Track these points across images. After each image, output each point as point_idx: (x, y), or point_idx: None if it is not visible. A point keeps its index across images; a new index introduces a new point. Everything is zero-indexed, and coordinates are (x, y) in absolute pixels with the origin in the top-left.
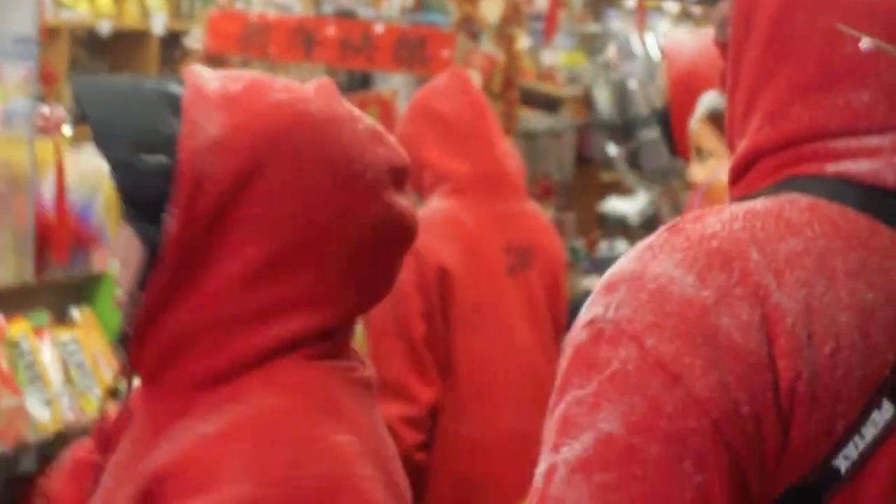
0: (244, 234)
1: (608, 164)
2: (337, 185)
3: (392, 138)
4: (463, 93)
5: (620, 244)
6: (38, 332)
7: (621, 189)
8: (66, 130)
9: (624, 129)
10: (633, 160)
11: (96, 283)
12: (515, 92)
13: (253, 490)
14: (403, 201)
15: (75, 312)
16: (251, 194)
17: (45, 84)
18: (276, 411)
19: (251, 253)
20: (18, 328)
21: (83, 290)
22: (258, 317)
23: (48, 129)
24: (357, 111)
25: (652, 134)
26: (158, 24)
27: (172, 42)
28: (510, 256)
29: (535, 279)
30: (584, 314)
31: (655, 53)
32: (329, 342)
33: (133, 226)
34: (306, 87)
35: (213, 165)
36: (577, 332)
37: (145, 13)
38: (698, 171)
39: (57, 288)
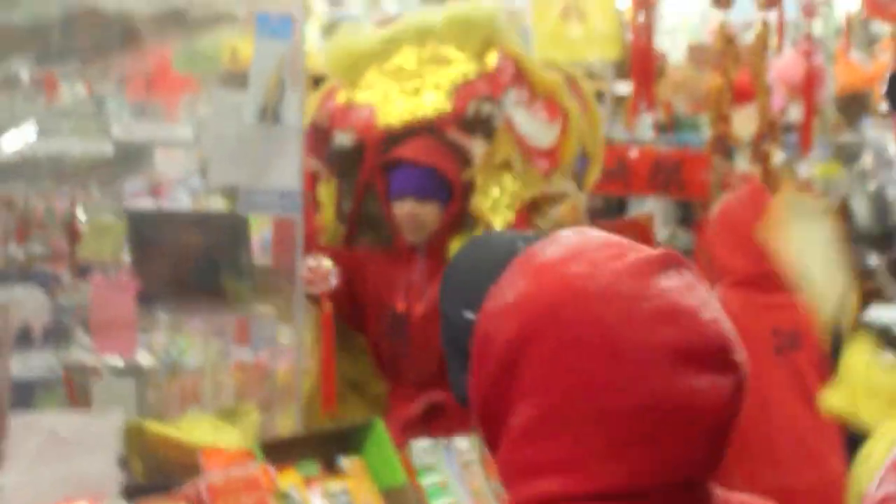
0: (522, 393)
1: (869, 274)
2: (595, 364)
3: (704, 315)
4: (753, 203)
5: (885, 355)
6: (308, 482)
7: (883, 299)
8: (333, 281)
9: (884, 239)
10: (895, 269)
11: (365, 432)
12: None
13: None
14: (699, 381)
15: (345, 462)
16: (526, 359)
17: (309, 237)
18: None
19: (525, 411)
20: (288, 479)
21: (352, 439)
22: (527, 471)
23: (315, 281)
24: (666, 287)
25: None
26: None
27: None
28: (778, 339)
29: (804, 358)
30: (875, 490)
31: None
32: None
33: (451, 373)
34: (623, 260)
35: (497, 329)
36: None
37: None
38: None
39: (326, 438)
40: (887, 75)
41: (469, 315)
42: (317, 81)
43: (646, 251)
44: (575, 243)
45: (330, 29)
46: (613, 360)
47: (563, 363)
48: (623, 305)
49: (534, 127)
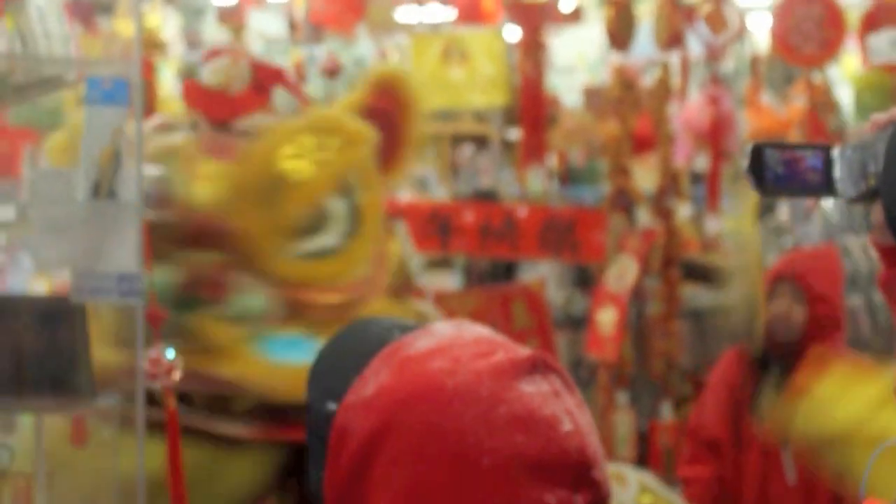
0: (373, 496)
1: None
2: (444, 467)
3: (565, 427)
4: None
5: None
6: None
7: None
8: (177, 376)
9: None
10: None
11: None
12: (677, 269)
13: None
14: (550, 496)
15: None
16: (381, 457)
17: (153, 323)
18: None
19: None
20: None
21: None
22: None
23: (157, 374)
24: (527, 392)
25: None
26: None
27: None
28: None
29: None
30: None
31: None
32: None
33: (310, 467)
34: (489, 359)
35: (355, 422)
36: None
37: None
38: None
39: None
40: (748, 147)
41: (332, 406)
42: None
43: (515, 352)
44: (446, 337)
45: (188, 72)
46: (461, 466)
47: (412, 466)
48: (478, 408)
49: None
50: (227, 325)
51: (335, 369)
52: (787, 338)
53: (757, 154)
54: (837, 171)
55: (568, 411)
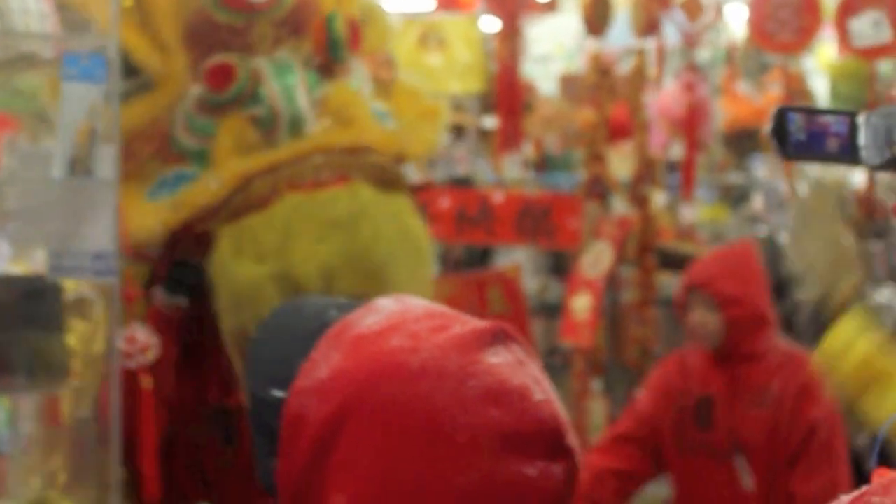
0: (336, 482)
1: None
2: (417, 446)
3: (536, 396)
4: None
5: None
6: None
7: None
8: (152, 355)
9: (775, 290)
10: (788, 324)
11: None
12: (652, 256)
13: None
14: (530, 468)
15: None
16: (343, 440)
17: (127, 303)
18: None
19: (339, 500)
20: None
21: None
22: None
23: (132, 353)
24: (495, 363)
25: (807, 293)
26: None
27: None
28: None
29: None
30: None
31: (808, 202)
32: None
33: (258, 459)
34: (447, 332)
35: (310, 408)
36: None
37: None
38: None
39: None
40: (773, 111)
41: (278, 393)
42: None
43: (472, 324)
44: (395, 313)
45: None
46: (436, 444)
47: (381, 447)
48: (448, 384)
49: None
50: None
51: (274, 355)
52: (710, 346)
53: (780, 118)
54: (862, 138)
55: (536, 379)
